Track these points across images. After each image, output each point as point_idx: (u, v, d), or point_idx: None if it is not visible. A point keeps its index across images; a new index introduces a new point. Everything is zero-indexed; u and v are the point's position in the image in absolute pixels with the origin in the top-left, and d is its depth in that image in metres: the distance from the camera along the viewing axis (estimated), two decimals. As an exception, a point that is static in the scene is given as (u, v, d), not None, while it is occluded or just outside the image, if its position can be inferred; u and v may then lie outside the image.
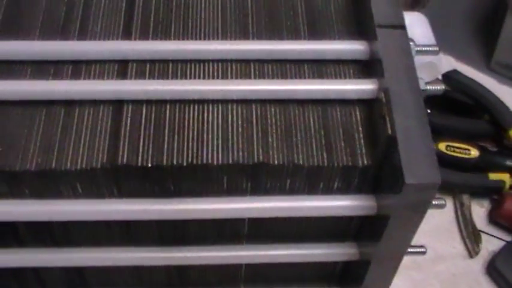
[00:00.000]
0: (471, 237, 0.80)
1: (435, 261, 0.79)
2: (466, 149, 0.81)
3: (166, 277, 0.58)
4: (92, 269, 0.56)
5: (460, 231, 0.81)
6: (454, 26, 0.99)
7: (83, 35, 0.50)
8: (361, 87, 0.47)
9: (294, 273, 0.59)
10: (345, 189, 0.48)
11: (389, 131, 0.43)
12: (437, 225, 0.81)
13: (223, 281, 0.59)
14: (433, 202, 0.48)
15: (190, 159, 0.44)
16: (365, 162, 0.45)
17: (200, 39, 0.50)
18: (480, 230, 0.81)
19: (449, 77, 0.84)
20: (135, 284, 0.59)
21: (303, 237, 0.53)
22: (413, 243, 0.54)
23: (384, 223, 0.45)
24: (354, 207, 0.47)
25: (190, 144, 0.45)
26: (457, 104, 0.87)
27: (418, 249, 0.53)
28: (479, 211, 0.83)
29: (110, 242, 0.52)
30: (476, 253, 0.79)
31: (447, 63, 0.91)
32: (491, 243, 0.81)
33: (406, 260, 0.77)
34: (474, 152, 0.81)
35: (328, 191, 0.48)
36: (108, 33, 0.50)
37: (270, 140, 0.46)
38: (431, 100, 0.85)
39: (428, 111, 0.85)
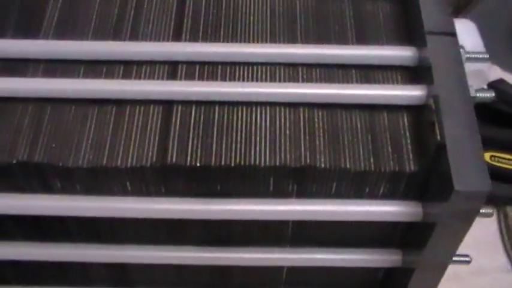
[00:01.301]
0: (514, 249, 0.79)
1: (477, 274, 0.78)
2: (508, 159, 0.80)
3: (209, 277, 0.58)
4: (136, 267, 0.57)
5: (504, 243, 0.80)
6: (501, 35, 0.97)
7: (134, 36, 0.51)
8: (409, 93, 0.47)
9: (336, 278, 0.59)
10: (390, 195, 0.48)
11: (439, 138, 0.43)
12: (480, 238, 0.80)
13: (265, 283, 0.59)
14: (482, 211, 0.47)
15: (238, 160, 0.45)
16: (412, 168, 0.45)
17: (249, 42, 0.51)
18: (523, 242, 0.79)
19: (495, 87, 0.83)
20: (177, 284, 0.60)
21: (347, 242, 0.53)
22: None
23: (430, 231, 0.45)
24: (399, 213, 0.47)
25: (238, 145, 0.46)
26: (502, 115, 0.85)
27: (463, 258, 0.52)
28: (523, 223, 0.81)
29: (155, 240, 0.53)
30: (520, 266, 0.78)
31: (493, 72, 0.90)
32: (535, 256, 0.79)
33: (448, 271, 0.76)
34: (517, 163, 0.80)
35: (374, 196, 0.48)
36: (159, 34, 0.51)
37: (317, 143, 0.46)
38: (476, 110, 0.84)
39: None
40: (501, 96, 0.83)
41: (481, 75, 0.74)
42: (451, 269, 0.54)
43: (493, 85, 0.83)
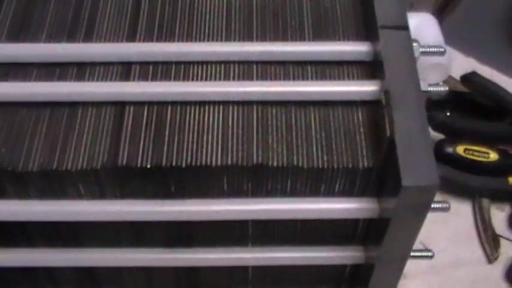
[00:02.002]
0: (490, 242, 0.78)
1: (454, 266, 0.78)
2: (485, 153, 0.80)
3: (176, 277, 0.58)
4: (102, 269, 0.56)
5: (479, 236, 0.80)
6: (481, 29, 0.97)
7: (88, 37, 0.51)
8: (363, 88, 0.46)
9: (303, 274, 0.58)
10: (347, 192, 0.47)
11: (388, 133, 0.42)
12: (457, 230, 0.80)
13: (232, 282, 0.59)
14: (437, 205, 0.47)
15: (189, 161, 0.44)
16: (366, 164, 0.45)
17: (204, 41, 0.50)
18: (499, 235, 0.79)
19: (469, 79, 0.82)
20: (144, 284, 0.59)
21: (309, 240, 0.53)
22: (431, 246, 0.53)
23: (386, 226, 0.45)
24: (355, 209, 0.47)
25: (190, 145, 0.45)
26: (477, 107, 0.85)
27: (425, 253, 0.52)
28: (499, 215, 0.81)
29: (117, 243, 0.53)
30: (495, 258, 0.78)
31: (470, 66, 0.90)
32: (511, 248, 0.79)
33: (424, 264, 0.76)
34: (493, 156, 0.80)
35: (330, 193, 0.47)
36: (114, 35, 0.51)
37: (270, 141, 0.46)
38: (451, 102, 0.84)
39: (448, 113, 0.84)
40: (475, 88, 0.84)
41: (440, 69, 0.74)
42: (428, 262, 0.54)
43: (466, 77, 0.83)
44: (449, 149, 0.80)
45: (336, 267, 0.57)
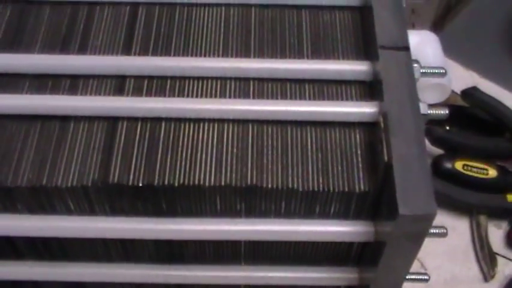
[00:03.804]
0: (486, 259, 0.78)
1: (449, 284, 0.77)
2: (483, 169, 0.79)
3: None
4: (91, 284, 0.55)
5: (476, 253, 0.79)
6: (480, 43, 0.96)
7: (83, 50, 0.50)
8: (362, 109, 0.45)
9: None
10: (342, 214, 0.46)
11: (386, 158, 0.41)
12: (454, 247, 0.79)
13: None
14: (434, 231, 0.46)
15: (182, 180, 0.44)
16: (362, 188, 0.44)
17: (201, 55, 0.49)
18: (496, 253, 0.78)
19: (469, 94, 0.82)
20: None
21: (303, 260, 0.52)
22: (427, 263, 0.52)
23: (382, 250, 0.44)
24: (350, 232, 0.46)
25: (183, 163, 0.44)
26: (477, 122, 0.84)
27: (421, 276, 0.51)
28: (496, 233, 0.80)
29: (107, 258, 0.52)
30: (492, 277, 0.77)
31: (470, 79, 0.89)
32: (508, 266, 0.78)
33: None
34: (492, 172, 0.79)
35: (325, 215, 0.46)
36: (109, 48, 0.50)
37: (265, 161, 0.45)
38: (451, 117, 0.83)
39: (447, 128, 0.83)
40: (475, 104, 0.83)
41: (440, 89, 0.73)
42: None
43: (466, 92, 0.82)
44: (448, 165, 0.79)
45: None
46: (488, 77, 0.91)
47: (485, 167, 0.79)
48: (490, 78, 0.91)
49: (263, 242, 0.49)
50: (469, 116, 0.84)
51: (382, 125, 0.43)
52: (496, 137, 0.83)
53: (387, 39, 0.46)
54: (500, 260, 0.78)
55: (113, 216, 0.46)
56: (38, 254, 0.51)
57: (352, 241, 0.47)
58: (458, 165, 0.79)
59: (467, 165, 0.79)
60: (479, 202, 0.79)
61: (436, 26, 0.90)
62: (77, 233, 0.46)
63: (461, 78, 0.88)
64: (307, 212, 0.46)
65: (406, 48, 0.46)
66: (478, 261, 0.78)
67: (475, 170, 0.79)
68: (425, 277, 0.51)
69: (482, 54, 0.94)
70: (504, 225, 0.81)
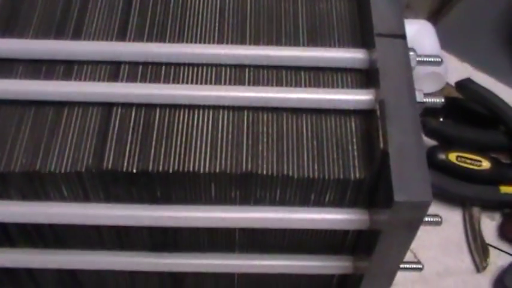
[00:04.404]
0: (479, 251, 0.78)
1: (442, 276, 0.77)
2: (477, 161, 0.79)
3: (160, 281, 0.57)
4: (85, 271, 0.55)
5: (469, 244, 0.79)
6: (475, 35, 0.96)
7: (77, 35, 0.49)
8: (357, 97, 0.45)
9: (290, 283, 0.57)
10: (338, 202, 0.46)
11: (382, 145, 0.41)
12: (446, 238, 0.79)
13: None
14: (428, 219, 0.46)
15: (177, 166, 0.43)
16: (357, 175, 0.44)
17: (196, 42, 0.49)
18: (489, 244, 0.78)
19: (463, 86, 0.82)
20: (128, 286, 0.58)
21: (297, 248, 0.52)
22: (420, 255, 0.52)
23: (377, 238, 0.43)
24: (345, 220, 0.46)
25: (178, 150, 0.44)
26: (471, 114, 0.84)
27: (415, 266, 0.51)
28: (489, 224, 0.80)
29: (101, 246, 0.52)
30: (484, 268, 0.77)
31: (464, 71, 0.89)
32: (500, 258, 0.78)
33: (413, 273, 0.75)
34: (486, 164, 0.79)
35: (320, 203, 0.46)
36: (103, 33, 0.49)
37: (260, 148, 0.44)
38: (445, 108, 0.83)
39: (441, 119, 0.83)
40: (469, 95, 0.83)
41: (436, 78, 0.73)
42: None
43: (461, 84, 0.82)
44: (442, 156, 0.79)
45: (323, 277, 0.56)
46: (482, 69, 0.91)
47: (479, 158, 0.79)
48: (485, 70, 0.91)
49: (258, 230, 0.49)
50: (463, 108, 0.84)
51: (378, 112, 0.43)
52: (490, 130, 0.83)
53: (384, 27, 0.46)
54: (492, 252, 0.78)
55: (107, 203, 0.46)
56: (31, 241, 0.51)
57: (347, 229, 0.47)
58: (452, 156, 0.79)
59: (460, 157, 0.79)
60: (472, 194, 0.79)
61: (431, 20, 0.90)
62: (71, 219, 0.46)
63: (456, 70, 0.88)
64: (302, 200, 0.46)
65: (403, 36, 0.46)
66: (471, 252, 0.79)
67: (468, 161, 0.79)
68: (419, 266, 0.52)
69: (477, 47, 0.94)
70: (497, 216, 0.81)
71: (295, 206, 0.46)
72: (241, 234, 0.50)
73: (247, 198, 0.46)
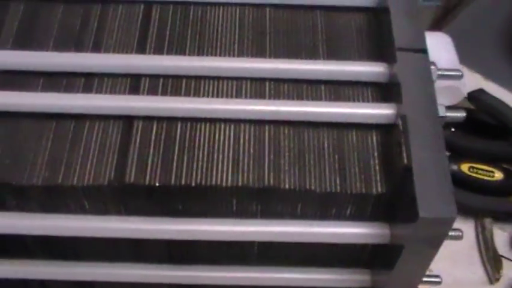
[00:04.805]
0: (491, 262, 0.78)
1: (454, 287, 0.77)
2: (489, 171, 0.79)
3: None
4: (99, 284, 0.55)
5: (481, 256, 0.79)
6: (485, 44, 0.96)
7: (97, 48, 0.49)
8: (379, 111, 0.45)
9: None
10: (358, 216, 0.46)
11: (405, 161, 0.41)
12: (458, 250, 0.79)
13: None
14: (450, 233, 0.46)
15: (199, 180, 0.43)
16: (379, 190, 0.44)
17: (216, 55, 0.49)
18: (502, 256, 0.78)
19: (475, 97, 0.82)
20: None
21: (314, 261, 0.52)
22: (432, 267, 0.52)
23: (398, 252, 0.43)
24: (366, 235, 0.46)
25: (200, 164, 0.44)
26: (482, 125, 0.84)
27: (433, 279, 0.51)
28: (501, 236, 0.80)
29: (117, 258, 0.52)
30: (497, 280, 0.77)
31: (475, 81, 0.89)
32: (512, 269, 0.78)
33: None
34: (498, 175, 0.79)
35: (340, 217, 0.46)
36: (123, 46, 0.50)
37: (281, 162, 0.44)
38: (456, 119, 0.83)
39: (453, 129, 0.83)
40: (481, 106, 0.83)
41: (455, 91, 0.73)
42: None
43: (472, 95, 0.82)
44: (454, 167, 0.79)
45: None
46: (491, 79, 0.91)
47: (492, 169, 0.79)
48: (494, 80, 0.91)
49: (276, 243, 0.49)
50: (474, 119, 0.84)
51: (400, 127, 0.43)
52: (501, 140, 0.83)
53: (405, 41, 0.46)
54: (505, 263, 0.78)
55: (127, 216, 0.46)
56: (48, 253, 0.51)
57: (368, 243, 0.47)
58: (464, 167, 0.79)
59: (473, 168, 0.79)
60: (484, 205, 0.79)
61: (434, 29, 0.90)
62: (91, 232, 0.46)
63: (466, 80, 0.88)
64: (323, 214, 0.46)
65: (424, 50, 0.46)
66: (483, 264, 0.78)
67: (481, 172, 0.79)
68: (438, 279, 0.51)
69: (485, 56, 0.94)
70: (509, 228, 0.81)
71: (315, 219, 0.46)
72: (260, 248, 0.50)
73: (267, 212, 0.46)
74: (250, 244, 0.50)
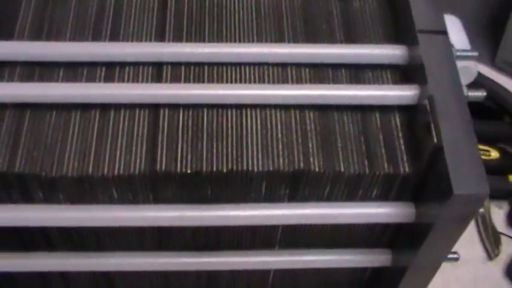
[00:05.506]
0: (490, 239, 0.79)
1: (455, 264, 0.78)
2: (486, 150, 0.80)
3: (195, 283, 0.57)
4: (120, 274, 0.55)
5: (480, 233, 0.81)
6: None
7: (115, 36, 0.49)
8: (402, 93, 0.46)
9: (322, 278, 0.58)
10: (383, 196, 0.47)
11: (435, 140, 0.42)
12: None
13: (252, 285, 0.58)
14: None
15: (230, 166, 0.43)
16: (406, 170, 0.44)
17: (235, 41, 0.49)
18: (500, 232, 0.80)
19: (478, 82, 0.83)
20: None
21: (336, 243, 0.52)
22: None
23: (425, 232, 0.44)
24: (392, 214, 0.47)
25: (230, 150, 0.44)
26: (476, 105, 0.85)
27: (452, 255, 0.52)
28: (498, 213, 0.82)
29: (140, 248, 0.51)
30: (496, 255, 0.79)
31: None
32: (510, 245, 0.80)
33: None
34: (494, 154, 0.81)
35: (366, 198, 0.47)
36: (141, 34, 0.49)
37: (309, 146, 0.45)
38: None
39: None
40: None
41: (467, 72, 0.74)
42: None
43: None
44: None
45: (356, 271, 0.57)
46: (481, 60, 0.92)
47: (488, 148, 0.81)
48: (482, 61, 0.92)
49: (300, 227, 0.50)
50: (474, 104, 0.85)
51: (428, 108, 0.43)
52: (496, 120, 0.85)
53: (425, 24, 0.47)
54: (503, 239, 0.80)
55: (157, 204, 0.46)
56: (71, 245, 0.51)
57: (394, 223, 0.48)
58: (462, 147, 0.80)
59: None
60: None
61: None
62: (121, 222, 0.46)
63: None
64: (349, 196, 0.47)
65: (445, 32, 0.46)
66: (482, 241, 0.80)
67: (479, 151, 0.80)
68: (456, 256, 0.52)
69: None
70: (504, 205, 0.83)
71: (341, 201, 0.47)
72: (284, 231, 0.51)
73: (296, 196, 0.46)
74: (275, 228, 0.50)
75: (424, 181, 0.45)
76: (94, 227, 0.47)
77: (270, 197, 0.46)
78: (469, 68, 0.74)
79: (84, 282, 0.56)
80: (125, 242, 0.51)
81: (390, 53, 0.48)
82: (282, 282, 0.58)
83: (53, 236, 0.50)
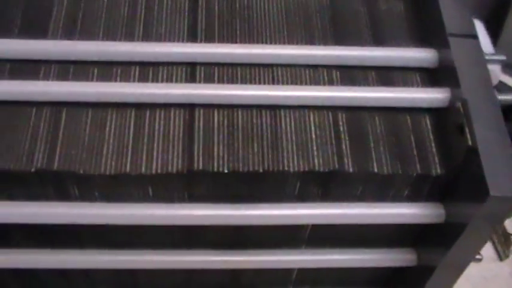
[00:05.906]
0: (501, 240, 0.81)
1: (466, 264, 0.79)
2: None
3: (218, 281, 0.57)
4: (144, 270, 0.55)
5: (490, 235, 0.82)
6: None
7: (147, 36, 0.49)
8: (433, 95, 0.47)
9: (344, 277, 0.59)
10: (414, 197, 0.48)
11: (470, 142, 0.43)
12: (467, 228, 0.82)
13: (273, 284, 0.59)
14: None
15: (266, 166, 0.44)
16: (438, 171, 0.45)
17: (266, 42, 0.50)
18: (510, 234, 0.81)
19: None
20: (184, 286, 0.59)
21: (362, 242, 0.53)
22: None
23: (458, 232, 0.45)
24: (422, 215, 0.47)
25: (266, 150, 0.45)
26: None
27: (477, 256, 0.53)
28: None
29: (168, 245, 0.52)
30: (506, 256, 0.80)
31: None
32: (520, 246, 0.81)
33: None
34: None
35: (397, 198, 0.47)
36: (173, 34, 0.50)
37: (343, 147, 0.45)
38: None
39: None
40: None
41: (493, 75, 0.75)
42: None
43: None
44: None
45: (379, 270, 0.57)
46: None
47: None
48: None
49: (329, 225, 0.50)
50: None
51: (461, 110, 0.44)
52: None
53: (455, 27, 0.48)
54: (513, 240, 0.81)
55: (193, 203, 0.46)
56: (99, 243, 0.51)
57: (424, 223, 0.48)
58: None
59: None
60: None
61: None
62: (158, 220, 0.46)
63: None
64: (381, 196, 0.47)
65: (475, 36, 0.47)
66: (493, 241, 0.81)
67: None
68: (479, 256, 0.53)
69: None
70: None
71: (373, 201, 0.47)
72: (313, 229, 0.51)
73: (328, 195, 0.47)
74: (303, 226, 0.51)
75: (455, 182, 0.45)
76: (124, 225, 0.48)
77: (303, 196, 0.47)
78: (495, 72, 0.75)
79: (107, 277, 0.56)
80: (153, 239, 0.51)
81: (420, 55, 0.49)
82: (305, 279, 0.59)
83: (83, 233, 0.50)
